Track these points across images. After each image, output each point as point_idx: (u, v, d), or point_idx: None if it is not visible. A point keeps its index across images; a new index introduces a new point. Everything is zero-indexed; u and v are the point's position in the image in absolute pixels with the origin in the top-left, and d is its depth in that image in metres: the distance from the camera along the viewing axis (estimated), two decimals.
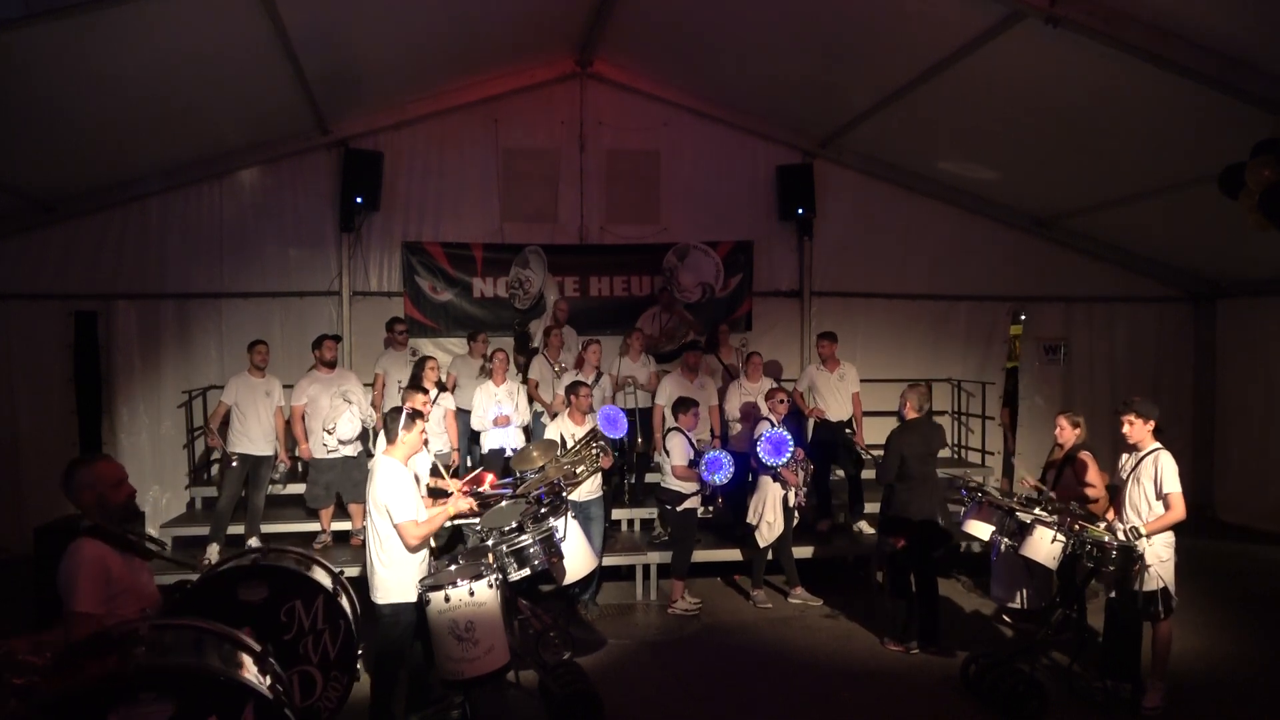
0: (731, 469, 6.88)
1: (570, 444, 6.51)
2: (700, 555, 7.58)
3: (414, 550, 4.71)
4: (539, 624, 5.82)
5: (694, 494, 7.11)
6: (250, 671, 3.09)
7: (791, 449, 6.89)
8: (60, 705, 2.81)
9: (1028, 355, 10.68)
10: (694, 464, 7.00)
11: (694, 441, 7.19)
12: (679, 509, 7.12)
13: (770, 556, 7.31)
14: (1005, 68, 7.26)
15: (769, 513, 7.04)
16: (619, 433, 7.00)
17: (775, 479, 7.02)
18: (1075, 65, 6.85)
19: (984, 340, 10.68)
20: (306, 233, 9.68)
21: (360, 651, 4.78)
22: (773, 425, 7.01)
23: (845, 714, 5.45)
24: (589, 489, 6.76)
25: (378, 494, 4.67)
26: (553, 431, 6.90)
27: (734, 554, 7.81)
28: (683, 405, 7.20)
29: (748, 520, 7.18)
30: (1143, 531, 5.16)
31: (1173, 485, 5.16)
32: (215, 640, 3.13)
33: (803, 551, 7.70)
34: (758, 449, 6.88)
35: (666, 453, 7.17)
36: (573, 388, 7.14)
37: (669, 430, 7.25)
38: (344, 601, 4.81)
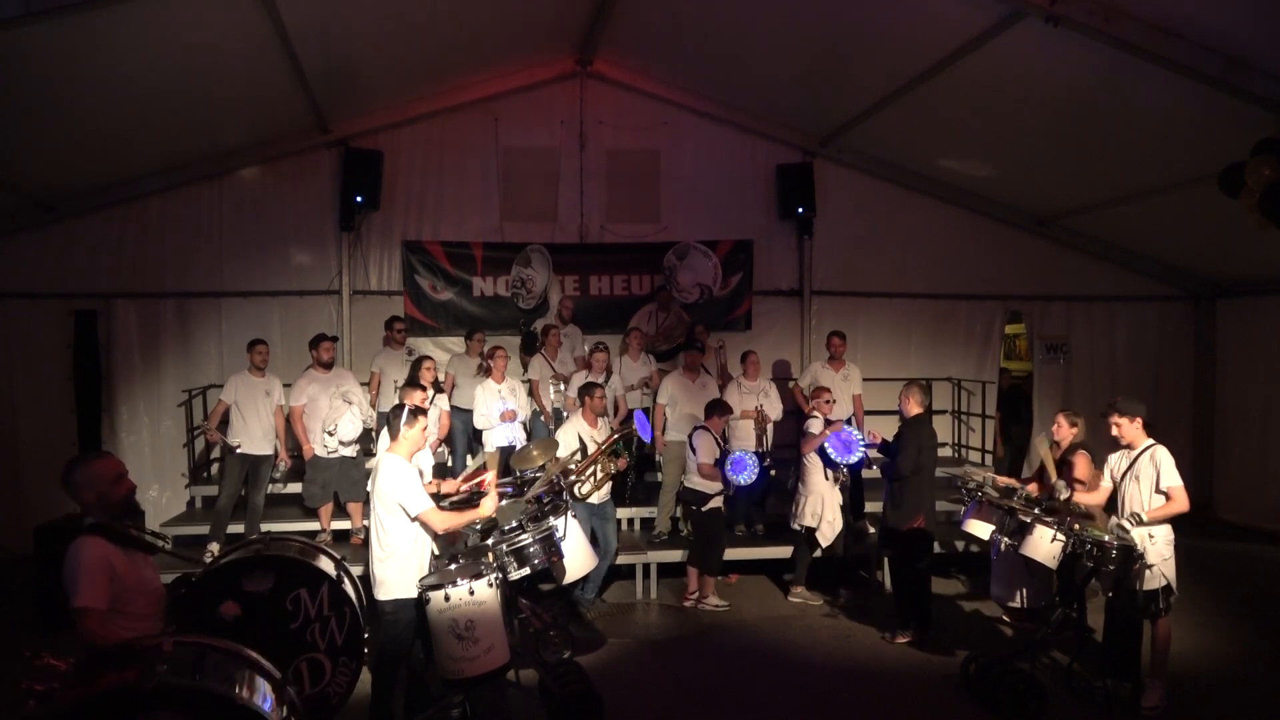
0: (756, 470, 6.99)
1: (590, 447, 6.50)
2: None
3: (442, 537, 4.77)
4: (539, 623, 5.82)
5: (718, 494, 7.13)
6: (268, 701, 3.09)
7: (863, 448, 6.97)
8: (78, 713, 2.79)
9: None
10: (719, 463, 7.05)
11: (719, 440, 7.23)
12: (704, 509, 7.12)
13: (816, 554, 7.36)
14: (1005, 67, 7.27)
15: (828, 513, 7.11)
16: (649, 435, 7.23)
17: (831, 478, 7.07)
18: (1075, 64, 6.85)
19: (984, 339, 10.68)
20: (306, 232, 9.68)
21: (366, 637, 4.79)
22: (827, 423, 7.10)
23: (845, 714, 5.45)
24: (606, 490, 6.79)
25: (386, 491, 4.66)
26: (568, 434, 6.84)
27: (736, 553, 7.80)
28: (717, 408, 7.29)
29: (805, 524, 7.17)
30: (1143, 518, 5.16)
31: (1172, 479, 5.15)
32: (236, 664, 3.13)
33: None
34: (825, 447, 6.92)
35: (693, 450, 7.16)
36: (587, 389, 7.07)
37: (696, 429, 7.25)
38: (348, 588, 4.83)
